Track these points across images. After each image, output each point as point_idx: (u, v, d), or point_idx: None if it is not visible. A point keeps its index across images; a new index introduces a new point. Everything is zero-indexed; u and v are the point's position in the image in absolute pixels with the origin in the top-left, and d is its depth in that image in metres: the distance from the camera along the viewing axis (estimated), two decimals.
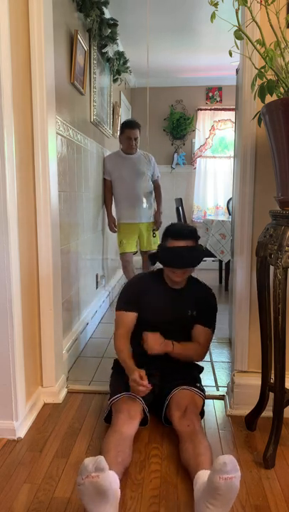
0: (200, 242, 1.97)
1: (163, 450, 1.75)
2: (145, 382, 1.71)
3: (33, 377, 2.05)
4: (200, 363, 2.11)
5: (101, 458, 1.26)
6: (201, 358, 2.02)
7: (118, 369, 1.98)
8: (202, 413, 1.91)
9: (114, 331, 2.00)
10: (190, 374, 1.98)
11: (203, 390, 1.92)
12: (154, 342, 1.90)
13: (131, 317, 1.98)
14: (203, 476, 1.40)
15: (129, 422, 1.67)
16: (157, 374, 1.89)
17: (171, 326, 1.94)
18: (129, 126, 3.60)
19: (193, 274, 2.03)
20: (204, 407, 1.94)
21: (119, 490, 1.36)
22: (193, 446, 1.56)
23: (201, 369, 2.11)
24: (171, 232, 1.93)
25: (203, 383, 2.01)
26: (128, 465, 1.58)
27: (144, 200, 3.76)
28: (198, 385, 1.92)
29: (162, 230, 2.04)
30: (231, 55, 1.52)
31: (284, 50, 1.51)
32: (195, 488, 1.39)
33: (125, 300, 2.02)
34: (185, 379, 1.90)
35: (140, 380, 1.71)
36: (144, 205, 3.77)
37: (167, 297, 1.98)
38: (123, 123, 3.72)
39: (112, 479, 1.33)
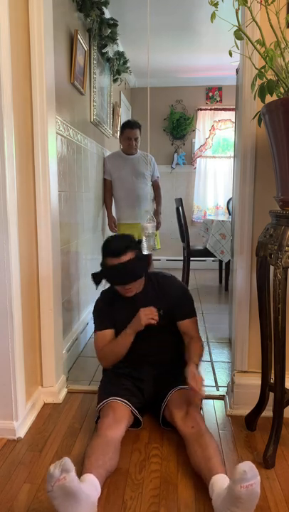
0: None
1: (163, 450, 1.75)
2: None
3: (33, 377, 2.05)
4: None
5: (66, 459, 1.26)
6: (203, 347, 1.98)
7: (107, 376, 1.98)
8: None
9: (96, 352, 1.97)
10: (182, 373, 1.96)
11: None
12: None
13: (110, 334, 1.96)
14: (218, 482, 1.39)
15: (114, 426, 1.66)
16: (149, 379, 1.89)
17: (147, 332, 1.88)
18: (128, 126, 3.61)
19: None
20: (202, 404, 1.93)
21: (96, 493, 1.38)
22: (201, 450, 1.53)
23: None
24: (106, 251, 1.89)
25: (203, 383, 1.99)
26: (112, 468, 1.55)
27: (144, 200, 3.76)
28: None
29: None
30: (231, 55, 1.52)
31: (284, 50, 1.51)
32: (213, 496, 1.38)
33: (100, 319, 2.00)
34: (178, 379, 1.86)
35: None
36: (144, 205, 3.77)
37: (131, 306, 1.92)
38: (123, 123, 3.72)
39: (88, 482, 1.35)
